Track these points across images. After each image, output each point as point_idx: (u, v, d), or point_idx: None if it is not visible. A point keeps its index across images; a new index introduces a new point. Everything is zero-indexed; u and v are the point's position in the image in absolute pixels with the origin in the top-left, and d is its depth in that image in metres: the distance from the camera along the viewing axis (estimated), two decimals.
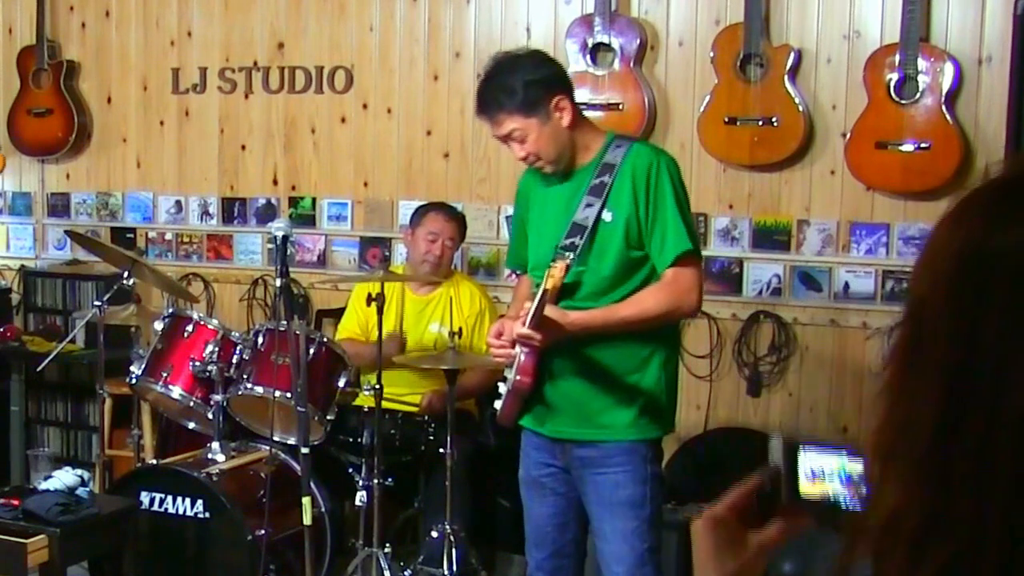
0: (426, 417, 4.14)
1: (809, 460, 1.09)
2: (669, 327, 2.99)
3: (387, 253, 5.09)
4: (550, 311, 2.73)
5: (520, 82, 2.85)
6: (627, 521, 2.92)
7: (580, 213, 2.87)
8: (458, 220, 4.41)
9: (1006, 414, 0.77)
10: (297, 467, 3.64)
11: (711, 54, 4.44)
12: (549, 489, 3.05)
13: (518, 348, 2.84)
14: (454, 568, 3.82)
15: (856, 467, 1.06)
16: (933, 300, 0.82)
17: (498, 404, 3.00)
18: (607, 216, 2.86)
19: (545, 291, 2.65)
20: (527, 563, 3.18)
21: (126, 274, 4.24)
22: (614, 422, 2.91)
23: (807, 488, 1.09)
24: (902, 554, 0.80)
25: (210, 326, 4.10)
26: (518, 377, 2.84)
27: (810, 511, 1.09)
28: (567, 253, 2.77)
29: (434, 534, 3.89)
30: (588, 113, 4.54)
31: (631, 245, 2.86)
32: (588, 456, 2.93)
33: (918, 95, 4.12)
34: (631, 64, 4.52)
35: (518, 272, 3.28)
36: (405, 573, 3.94)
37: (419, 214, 4.41)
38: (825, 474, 1.08)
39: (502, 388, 2.97)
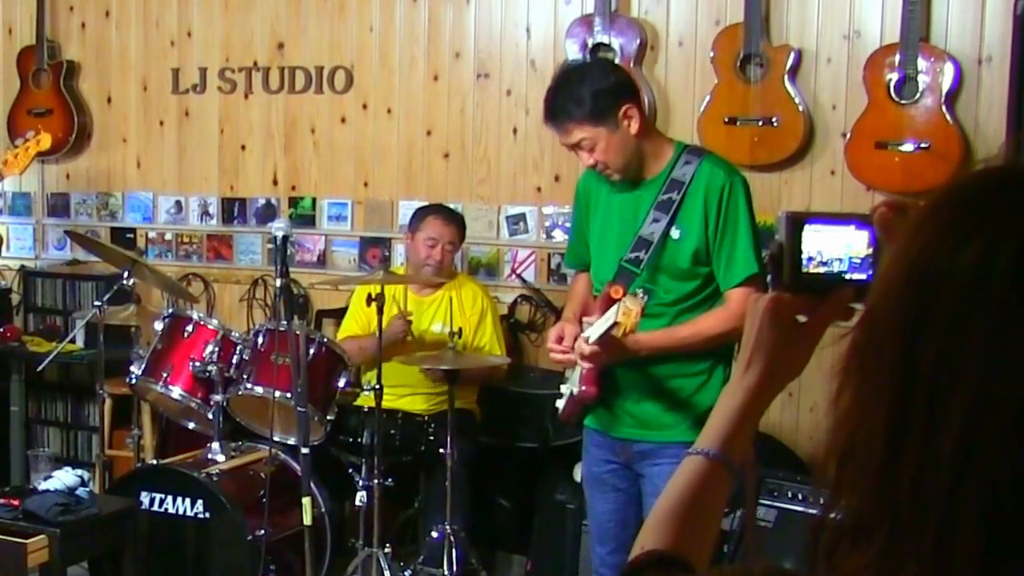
0: (426, 417, 4.15)
1: (813, 238, 1.08)
2: (728, 346, 3.01)
3: (387, 253, 5.10)
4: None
5: (589, 91, 2.84)
6: None
7: (647, 228, 2.89)
8: (457, 222, 4.40)
9: (943, 444, 0.75)
10: (297, 467, 3.64)
11: (711, 54, 4.44)
12: (610, 486, 3.08)
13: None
14: (454, 568, 3.82)
15: (862, 245, 1.06)
16: (882, 310, 0.80)
17: (559, 403, 3.05)
18: (675, 233, 2.88)
19: (616, 324, 2.65)
20: (593, 558, 3.20)
21: (126, 274, 4.24)
22: (673, 424, 2.94)
23: (810, 267, 1.08)
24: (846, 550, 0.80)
25: (210, 326, 4.10)
26: (583, 387, 2.90)
27: (813, 286, 1.09)
28: (641, 293, 2.72)
29: (434, 534, 3.89)
30: None
31: (698, 262, 2.89)
32: (647, 449, 2.97)
33: (918, 95, 4.12)
34: (631, 64, 4.51)
35: (576, 270, 3.29)
36: (405, 573, 3.94)
37: (417, 218, 4.41)
38: (829, 258, 1.07)
39: (564, 389, 3.03)
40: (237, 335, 4.13)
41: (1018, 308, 0.74)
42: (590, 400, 2.93)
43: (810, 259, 1.08)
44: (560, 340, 2.93)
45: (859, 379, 0.81)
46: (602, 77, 2.91)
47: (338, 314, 4.77)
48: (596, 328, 2.76)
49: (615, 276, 2.90)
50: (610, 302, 2.82)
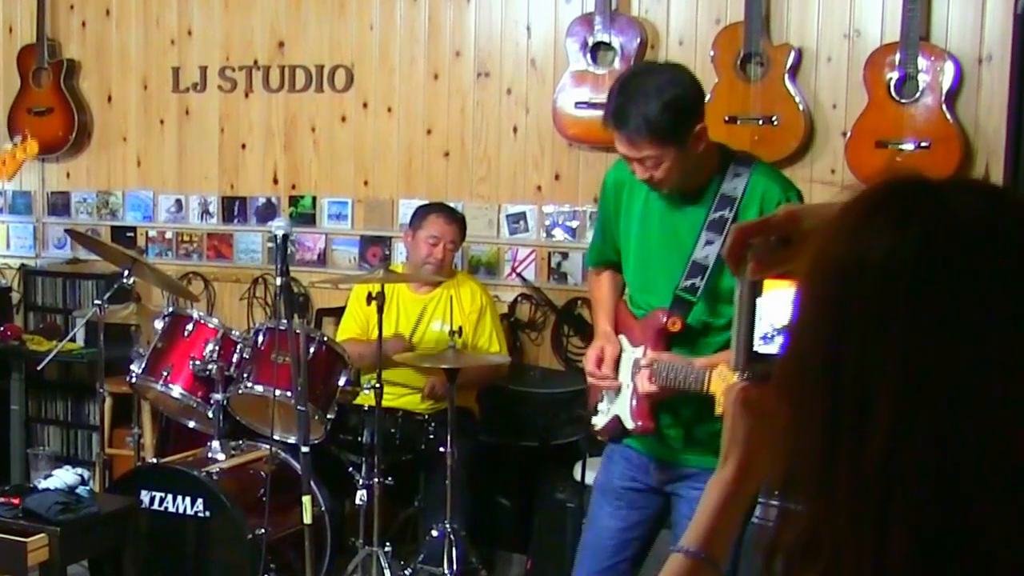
0: (426, 416, 4.15)
1: (772, 306, 1.04)
2: None
3: (387, 252, 5.10)
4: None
5: (669, 108, 2.59)
6: None
7: (700, 251, 2.71)
8: (458, 222, 4.40)
9: (870, 457, 0.75)
10: (297, 466, 3.64)
11: (711, 53, 4.44)
12: (626, 503, 2.91)
13: (624, 380, 2.78)
14: (454, 567, 3.82)
15: None
16: (802, 325, 0.80)
17: (596, 420, 2.90)
18: None
19: (710, 393, 2.55)
20: (588, 566, 3.00)
21: (126, 273, 4.24)
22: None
23: (762, 347, 1.04)
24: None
25: (210, 325, 4.10)
26: (639, 423, 2.75)
27: (761, 370, 1.06)
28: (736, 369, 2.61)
29: (434, 533, 3.90)
30: (588, 112, 4.58)
31: None
32: (688, 472, 2.81)
33: (918, 94, 4.12)
34: (631, 63, 4.51)
35: (597, 269, 3.06)
36: (405, 572, 3.94)
37: (419, 216, 4.40)
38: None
39: (603, 407, 2.88)
40: (237, 334, 4.13)
41: (924, 307, 0.75)
42: (651, 433, 2.78)
43: (765, 335, 1.04)
44: (600, 363, 2.79)
45: (790, 400, 0.81)
46: (684, 93, 2.66)
47: (338, 313, 4.77)
48: (669, 377, 2.64)
49: (672, 306, 2.72)
50: (663, 331, 2.72)
